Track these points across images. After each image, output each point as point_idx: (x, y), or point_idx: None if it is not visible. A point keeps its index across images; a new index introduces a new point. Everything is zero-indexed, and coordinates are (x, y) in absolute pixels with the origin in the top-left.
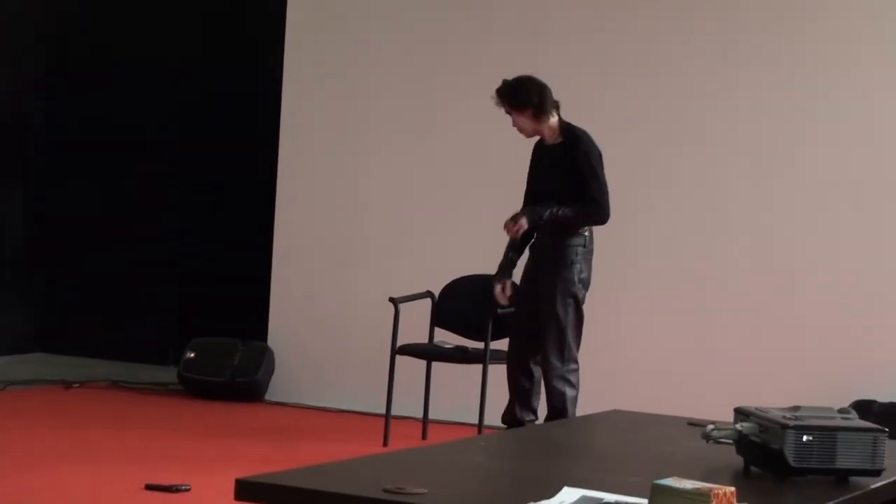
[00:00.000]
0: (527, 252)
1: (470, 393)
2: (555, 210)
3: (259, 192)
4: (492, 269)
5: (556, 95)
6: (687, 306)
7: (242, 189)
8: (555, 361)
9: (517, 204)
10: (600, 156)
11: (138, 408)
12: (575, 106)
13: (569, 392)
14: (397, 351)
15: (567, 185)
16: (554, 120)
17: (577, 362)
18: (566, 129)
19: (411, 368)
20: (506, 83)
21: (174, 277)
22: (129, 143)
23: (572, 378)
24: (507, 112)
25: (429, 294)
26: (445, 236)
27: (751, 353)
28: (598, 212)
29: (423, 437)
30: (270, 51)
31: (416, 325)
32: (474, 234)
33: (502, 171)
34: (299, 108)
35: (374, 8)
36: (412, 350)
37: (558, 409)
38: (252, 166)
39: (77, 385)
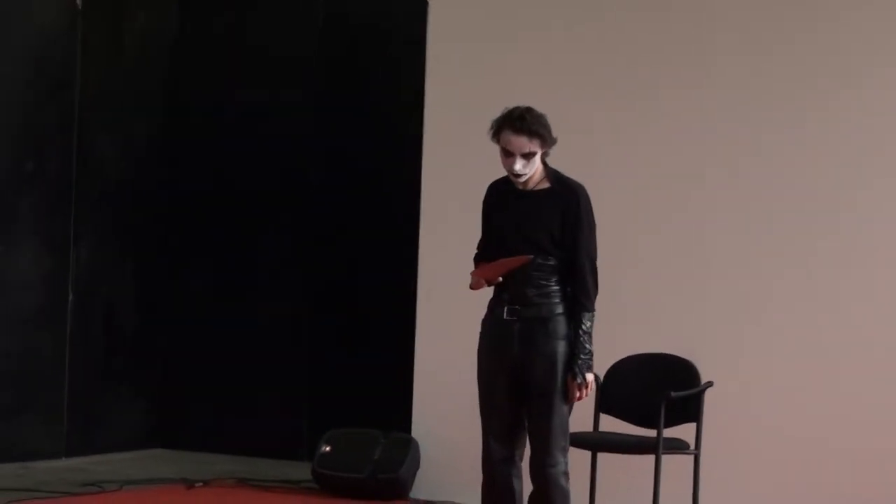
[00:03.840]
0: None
1: (642, 488)
2: (585, 336)
3: (399, 263)
4: (663, 346)
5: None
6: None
7: (380, 260)
8: (558, 455)
9: (693, 272)
10: (593, 211)
11: None
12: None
13: (569, 491)
14: None
15: (560, 240)
16: (542, 165)
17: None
18: (554, 174)
19: (575, 460)
20: (534, 112)
21: (304, 361)
22: (250, 213)
23: (569, 474)
24: (524, 154)
25: (594, 377)
26: (609, 307)
27: None
28: (593, 293)
29: None
30: (407, 106)
31: (579, 410)
32: (642, 305)
33: (680, 226)
34: (441, 176)
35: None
36: (575, 439)
37: None
38: (391, 234)
39: (200, 484)
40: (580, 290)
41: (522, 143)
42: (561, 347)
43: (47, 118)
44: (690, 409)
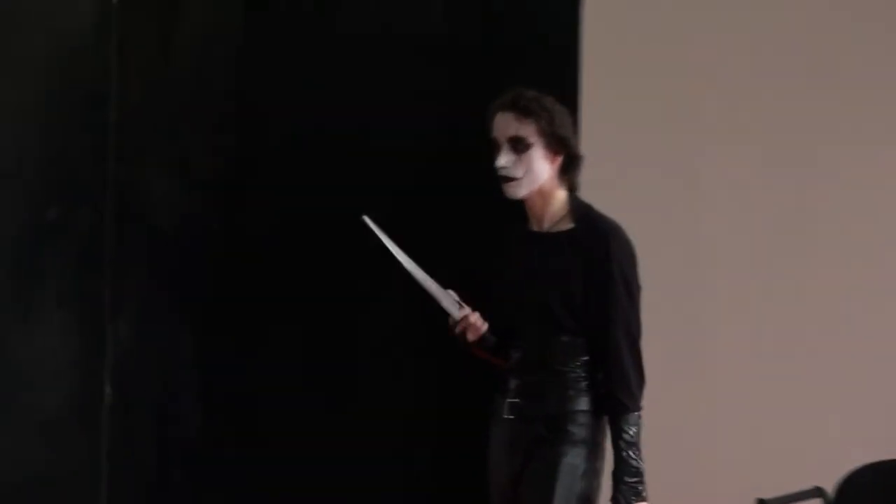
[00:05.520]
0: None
1: None
2: (630, 449)
3: None
4: None
5: None
6: None
7: None
8: None
9: None
10: (636, 266)
11: None
12: None
13: None
14: None
15: (583, 307)
16: (563, 193)
17: None
18: (583, 210)
19: None
20: (541, 97)
21: (426, 477)
22: (350, 268)
23: None
24: (510, 139)
25: (818, 492)
26: (839, 396)
27: None
28: (637, 386)
29: None
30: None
31: None
32: (887, 390)
33: None
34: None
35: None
36: None
37: None
38: None
39: None
40: (618, 382)
41: (507, 122)
42: (576, 457)
43: (74, 148)
44: None
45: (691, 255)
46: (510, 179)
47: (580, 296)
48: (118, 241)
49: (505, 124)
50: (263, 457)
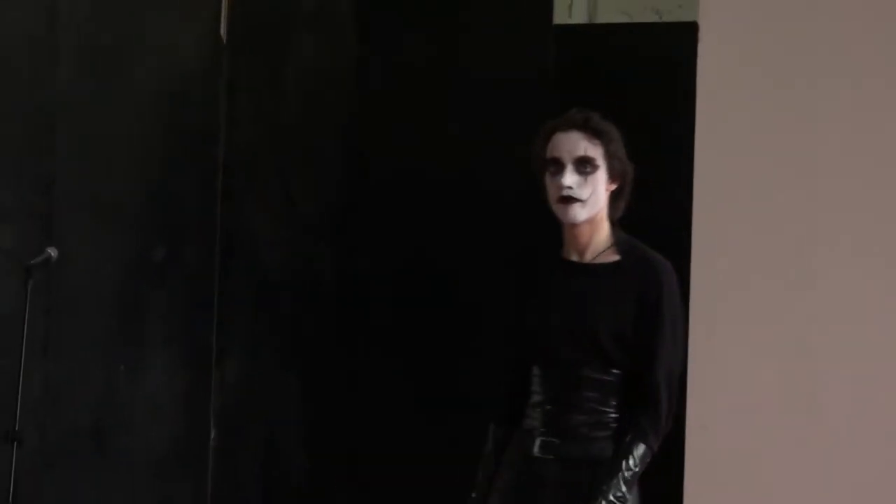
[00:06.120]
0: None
1: None
2: (626, 473)
3: None
4: None
5: None
6: None
7: None
8: None
9: None
10: (682, 303)
11: None
12: None
13: None
14: None
15: (631, 343)
16: (608, 223)
17: None
18: (628, 243)
19: None
20: (607, 121)
21: None
22: (463, 312)
23: None
24: (578, 159)
25: None
26: None
27: None
28: (664, 423)
29: None
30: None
31: None
32: None
33: None
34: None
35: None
36: None
37: None
38: None
39: None
40: (646, 414)
41: (575, 142)
42: None
43: (181, 187)
44: None
45: (811, 278)
46: (574, 201)
47: (630, 329)
48: (225, 282)
49: (572, 144)
50: (368, 502)
